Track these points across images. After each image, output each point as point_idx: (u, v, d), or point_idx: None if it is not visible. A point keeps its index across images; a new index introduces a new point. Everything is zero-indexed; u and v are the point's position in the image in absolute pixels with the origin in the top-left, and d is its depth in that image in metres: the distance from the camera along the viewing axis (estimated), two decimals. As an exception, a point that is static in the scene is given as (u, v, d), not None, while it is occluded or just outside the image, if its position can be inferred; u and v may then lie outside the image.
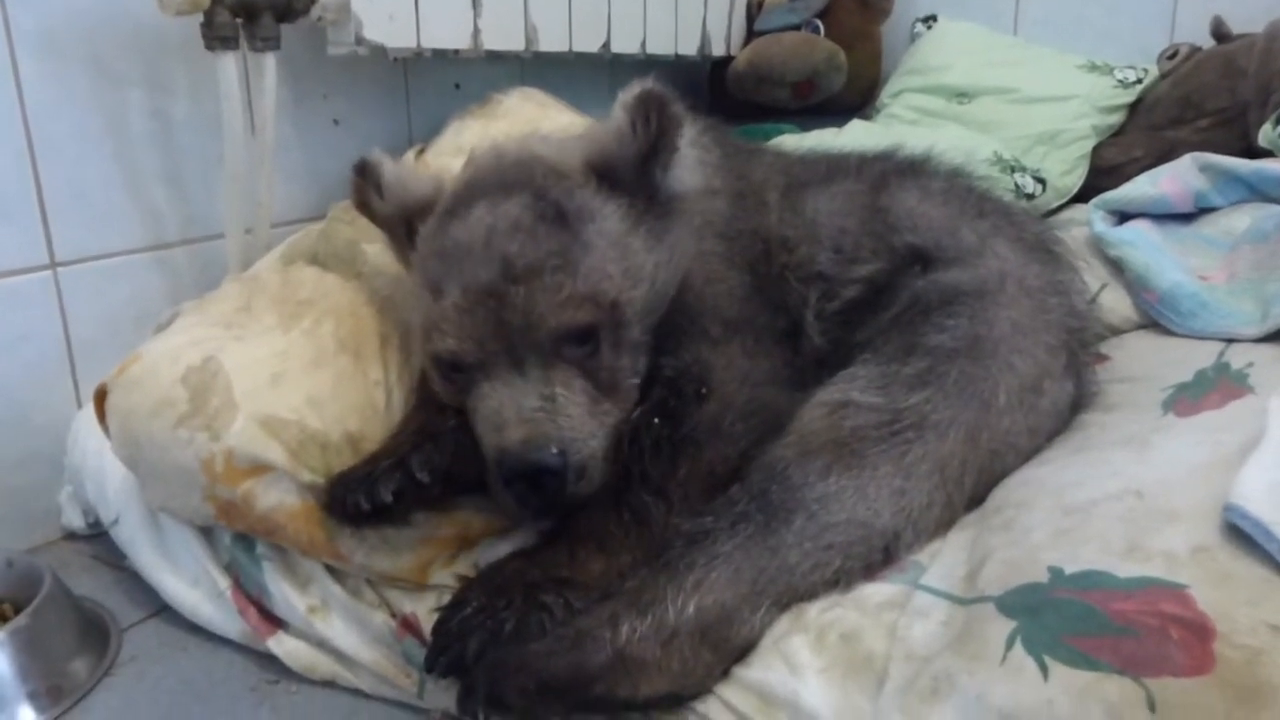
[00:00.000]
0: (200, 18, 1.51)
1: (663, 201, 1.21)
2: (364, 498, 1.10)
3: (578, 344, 1.10)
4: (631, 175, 1.19)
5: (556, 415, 1.07)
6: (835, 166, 1.45)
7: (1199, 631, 0.76)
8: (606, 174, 1.19)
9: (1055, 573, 0.86)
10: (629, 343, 1.15)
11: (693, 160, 1.26)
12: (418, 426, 1.20)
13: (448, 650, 1.01)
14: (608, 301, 1.11)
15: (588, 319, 1.10)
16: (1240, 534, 0.83)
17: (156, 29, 1.59)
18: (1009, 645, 0.81)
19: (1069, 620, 0.80)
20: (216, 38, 1.52)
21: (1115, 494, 0.95)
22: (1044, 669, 0.77)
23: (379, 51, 1.75)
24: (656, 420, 1.12)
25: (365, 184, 1.30)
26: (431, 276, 1.14)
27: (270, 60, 1.60)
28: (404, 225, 1.27)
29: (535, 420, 1.06)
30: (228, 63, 1.53)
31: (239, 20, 1.54)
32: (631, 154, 1.18)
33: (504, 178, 1.20)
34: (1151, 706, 0.72)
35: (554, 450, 1.04)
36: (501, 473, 1.06)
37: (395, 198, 1.28)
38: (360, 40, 1.67)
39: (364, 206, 1.33)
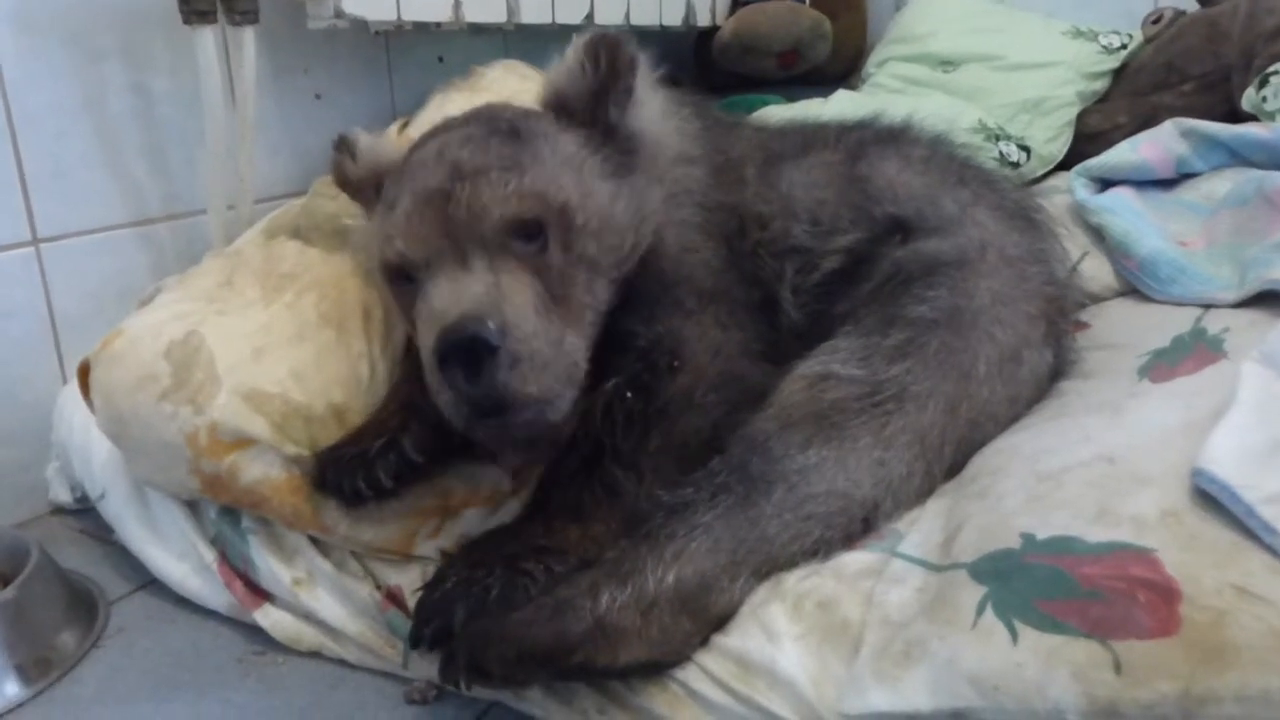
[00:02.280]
0: (178, -9, 1.51)
1: (623, 139, 1.21)
2: (364, 483, 1.11)
3: (525, 240, 1.08)
4: (584, 110, 1.20)
5: (500, 301, 1.03)
6: (812, 138, 1.45)
7: (1165, 594, 0.77)
8: (561, 109, 1.21)
9: (1027, 538, 0.88)
10: (584, 255, 1.12)
11: (656, 105, 1.27)
12: (403, 402, 1.21)
13: (432, 623, 1.02)
14: (556, 202, 1.10)
15: (534, 212, 1.08)
16: (1209, 498, 0.84)
17: (134, 3, 1.58)
18: (980, 610, 0.82)
19: (1038, 585, 0.82)
20: (194, 12, 1.51)
21: (1087, 460, 0.96)
22: (1013, 633, 0.79)
23: (360, 25, 1.75)
24: (629, 394, 1.12)
25: (344, 159, 1.31)
26: (388, 198, 1.15)
27: (249, 34, 1.59)
28: (374, 187, 1.27)
29: (476, 300, 1.02)
30: (206, 37, 1.52)
31: (216, -7, 1.54)
32: (583, 91, 1.19)
33: (465, 115, 1.23)
34: (1117, 668, 0.73)
35: (491, 325, 0.99)
36: (437, 355, 1.00)
37: (367, 161, 1.29)
38: (340, 13, 1.67)
39: (342, 179, 1.34)
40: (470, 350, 0.98)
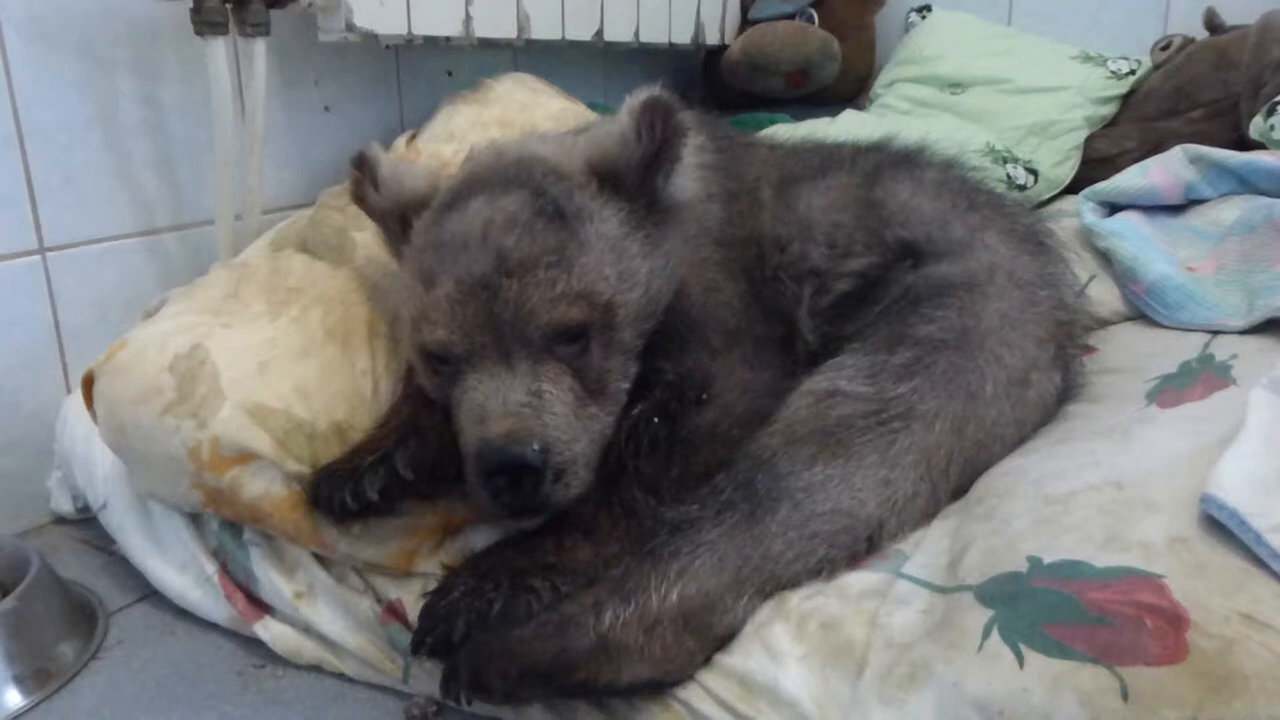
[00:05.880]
0: (190, 3, 1.51)
1: (662, 209, 1.20)
2: (350, 496, 1.10)
3: (568, 342, 1.09)
4: (633, 181, 1.18)
5: (542, 412, 1.05)
6: (829, 159, 1.45)
7: (1173, 621, 0.76)
8: (608, 177, 1.18)
9: (1034, 562, 0.87)
10: (620, 345, 1.14)
11: (694, 168, 1.25)
12: (403, 419, 1.20)
13: (434, 631, 1.02)
14: (601, 301, 1.10)
15: (580, 317, 1.08)
16: (1217, 524, 0.84)
17: (146, 15, 1.59)
18: (986, 634, 0.82)
19: (1046, 609, 0.81)
20: (206, 23, 1.51)
21: (1095, 484, 0.95)
22: (1020, 657, 0.78)
23: (370, 38, 1.75)
24: (655, 419, 1.12)
25: (362, 177, 1.30)
26: (425, 268, 1.13)
27: (260, 46, 1.59)
28: (399, 220, 1.26)
29: (519, 415, 1.04)
30: (217, 49, 1.52)
31: (228, 6, 1.54)
32: (634, 160, 1.17)
33: (503, 174, 1.19)
34: (1124, 695, 0.73)
35: (535, 447, 1.02)
36: (480, 465, 1.04)
37: (391, 192, 1.27)
38: (351, 27, 1.67)
39: (360, 200, 1.32)
40: (514, 471, 1.02)
